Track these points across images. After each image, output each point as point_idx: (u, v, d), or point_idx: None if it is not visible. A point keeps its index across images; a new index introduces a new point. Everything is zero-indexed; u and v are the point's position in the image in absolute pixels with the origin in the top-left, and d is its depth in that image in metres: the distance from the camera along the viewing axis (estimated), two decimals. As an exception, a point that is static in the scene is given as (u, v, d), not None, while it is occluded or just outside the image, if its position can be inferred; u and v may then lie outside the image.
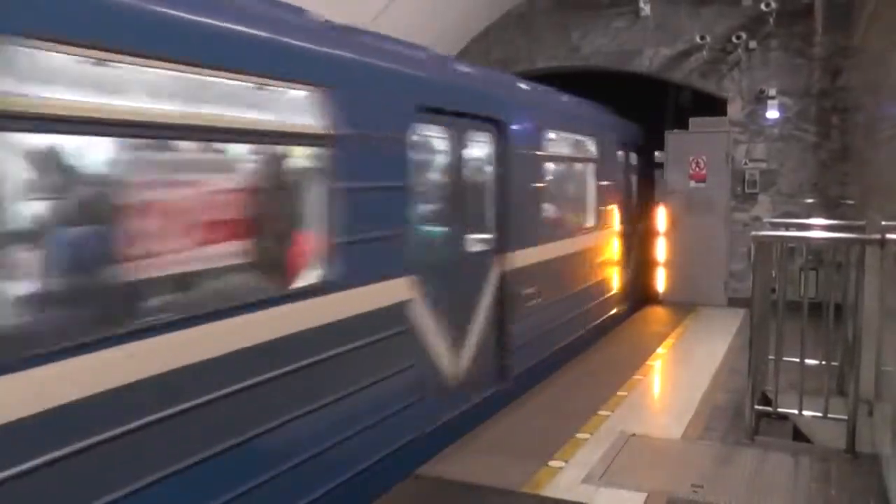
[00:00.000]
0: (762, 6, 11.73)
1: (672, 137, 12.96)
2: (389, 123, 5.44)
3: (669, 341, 10.09)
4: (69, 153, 3.59)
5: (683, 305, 12.47)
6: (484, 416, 6.69)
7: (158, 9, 3.61)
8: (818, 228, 8.02)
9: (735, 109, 12.63)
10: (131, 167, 3.80)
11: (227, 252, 4.48)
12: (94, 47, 3.26)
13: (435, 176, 6.51)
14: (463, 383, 6.52)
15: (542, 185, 8.27)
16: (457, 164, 6.61)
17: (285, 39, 4.51)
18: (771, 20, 11.85)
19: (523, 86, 9.03)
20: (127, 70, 3.48)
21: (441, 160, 6.54)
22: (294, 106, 4.63)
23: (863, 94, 9.68)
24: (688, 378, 8.38)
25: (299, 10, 4.99)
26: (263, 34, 4.31)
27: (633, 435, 6.35)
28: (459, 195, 6.64)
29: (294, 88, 4.57)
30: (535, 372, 7.86)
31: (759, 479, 5.44)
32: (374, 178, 5.23)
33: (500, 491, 5.26)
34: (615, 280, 11.20)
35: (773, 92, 12.10)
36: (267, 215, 4.85)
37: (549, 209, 8.60)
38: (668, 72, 13.05)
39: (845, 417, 5.85)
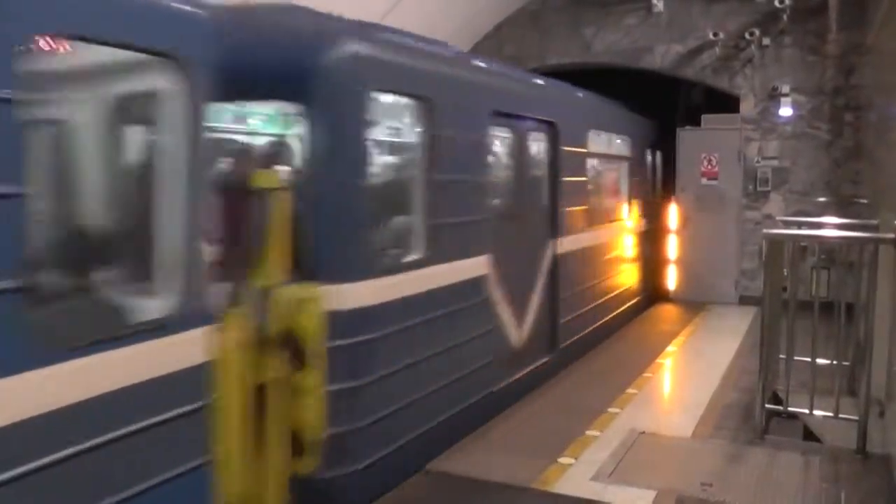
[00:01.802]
0: (776, 3, 11.64)
1: (684, 135, 12.92)
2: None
3: (680, 339, 10.08)
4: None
5: (694, 303, 12.44)
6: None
7: None
8: (830, 227, 7.98)
9: (747, 107, 12.57)
10: None
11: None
12: None
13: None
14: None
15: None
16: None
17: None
18: (785, 17, 11.77)
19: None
20: None
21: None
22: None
23: (875, 93, 9.63)
24: (698, 376, 8.37)
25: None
26: None
27: (643, 433, 6.35)
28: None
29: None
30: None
31: (769, 478, 5.43)
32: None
33: (509, 487, 5.28)
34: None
35: (786, 89, 12.04)
36: None
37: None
38: (680, 69, 13.00)
39: (856, 418, 5.84)
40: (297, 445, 4.45)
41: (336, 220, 4.78)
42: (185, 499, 3.61)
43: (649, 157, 12.65)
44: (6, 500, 2.81)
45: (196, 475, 3.61)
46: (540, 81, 8.70)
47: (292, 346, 4.34)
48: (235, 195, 4.33)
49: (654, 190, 12.96)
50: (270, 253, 4.35)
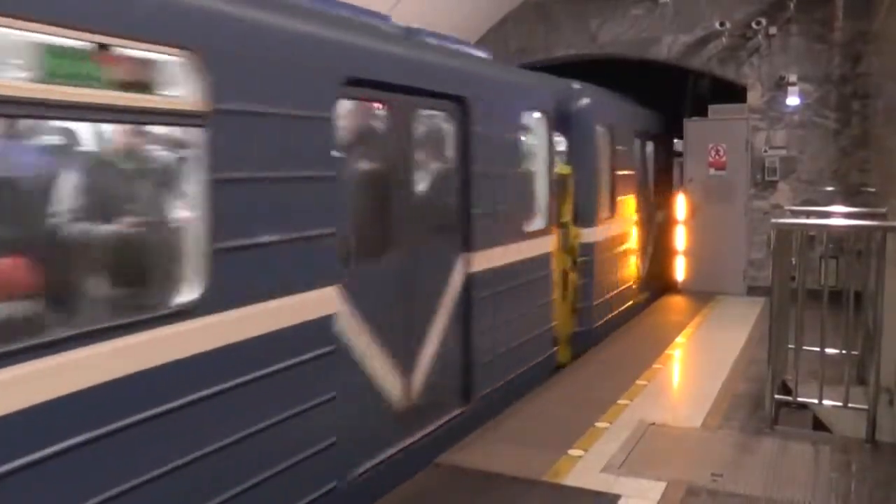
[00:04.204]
0: (782, -9, 11.63)
1: (691, 125, 12.90)
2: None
3: (689, 330, 10.08)
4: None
5: (702, 294, 12.43)
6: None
7: None
8: (839, 216, 7.97)
9: (755, 96, 12.53)
10: None
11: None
12: None
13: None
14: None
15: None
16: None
17: None
18: (791, 5, 11.72)
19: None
20: None
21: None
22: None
23: (883, 81, 9.59)
24: (707, 367, 8.38)
25: None
26: None
27: (653, 424, 6.36)
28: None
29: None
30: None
31: (779, 468, 5.44)
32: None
33: (519, 479, 5.30)
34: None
35: (793, 78, 12.00)
36: None
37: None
38: (687, 59, 12.96)
39: (866, 407, 5.84)
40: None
41: None
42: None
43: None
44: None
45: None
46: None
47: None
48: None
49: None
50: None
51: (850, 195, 11.03)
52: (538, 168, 7.93)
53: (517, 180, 7.20)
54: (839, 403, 6.09)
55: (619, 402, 6.98)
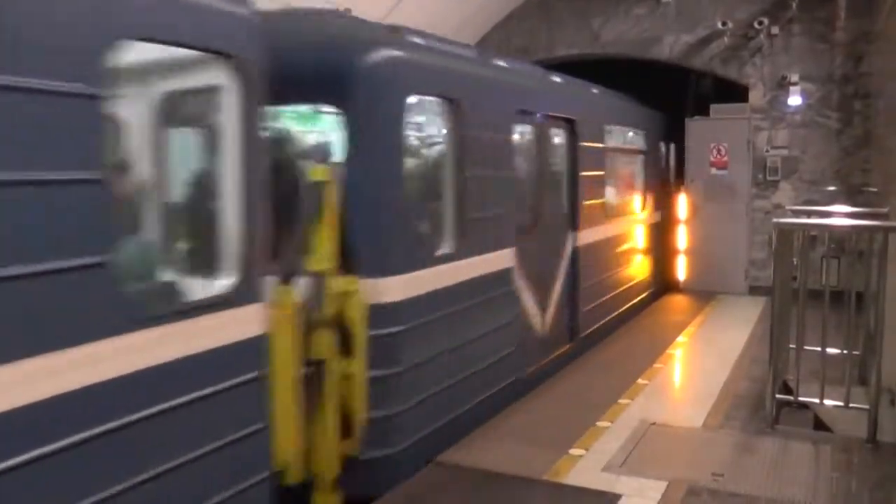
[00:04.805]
0: (784, -9, 11.62)
1: (693, 125, 12.89)
2: None
3: (690, 330, 10.07)
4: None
5: (704, 294, 12.43)
6: None
7: None
8: (840, 216, 7.96)
9: (756, 96, 12.52)
10: None
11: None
12: None
13: None
14: None
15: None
16: None
17: None
18: (793, 5, 11.71)
19: None
20: None
21: None
22: None
23: (885, 80, 9.58)
24: (708, 366, 8.37)
25: None
26: None
27: (654, 423, 6.36)
28: None
29: None
30: None
31: (780, 467, 5.44)
32: None
33: (520, 479, 5.30)
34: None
35: (795, 78, 11.99)
36: None
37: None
38: (688, 58, 12.95)
39: (867, 407, 5.83)
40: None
41: None
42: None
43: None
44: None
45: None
46: None
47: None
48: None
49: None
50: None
51: (851, 195, 11.03)
52: (218, 169, 4.08)
53: (97, 202, 3.11)
54: (840, 403, 6.08)
55: (619, 401, 6.98)
